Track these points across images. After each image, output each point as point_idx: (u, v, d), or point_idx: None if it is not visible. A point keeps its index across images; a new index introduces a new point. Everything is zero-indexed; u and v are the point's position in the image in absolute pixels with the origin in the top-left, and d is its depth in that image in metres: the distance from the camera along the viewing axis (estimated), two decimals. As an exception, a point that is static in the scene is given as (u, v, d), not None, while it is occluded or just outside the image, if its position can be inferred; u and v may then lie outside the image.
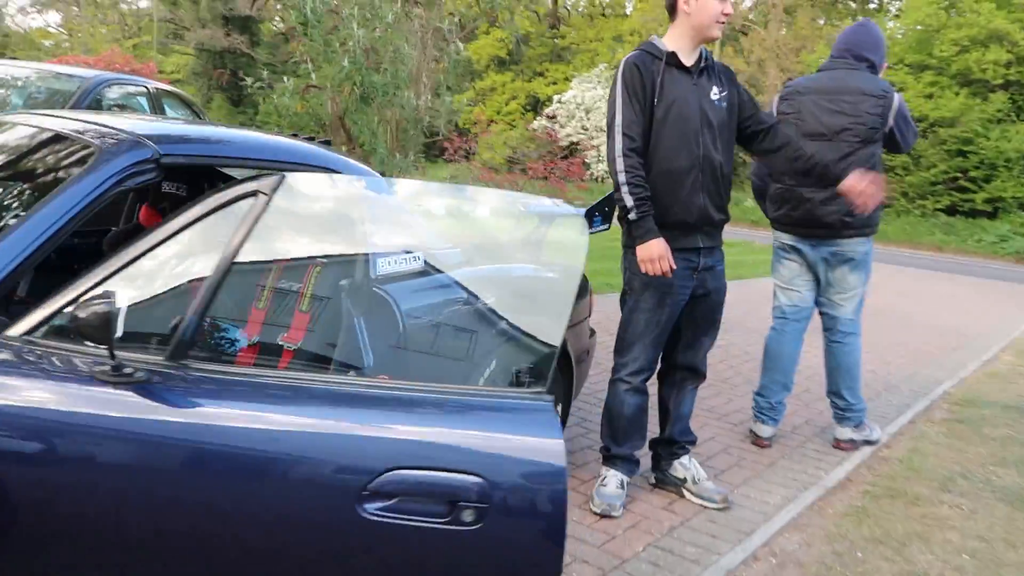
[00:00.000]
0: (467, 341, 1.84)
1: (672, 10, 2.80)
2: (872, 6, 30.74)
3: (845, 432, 3.75)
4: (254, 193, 1.42)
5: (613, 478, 2.91)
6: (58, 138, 1.96)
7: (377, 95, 6.41)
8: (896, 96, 3.47)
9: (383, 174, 4.12)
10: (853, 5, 31.62)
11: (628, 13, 31.37)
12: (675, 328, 2.94)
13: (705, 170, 2.75)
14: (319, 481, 1.27)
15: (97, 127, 1.95)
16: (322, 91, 6.23)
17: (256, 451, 1.28)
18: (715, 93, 2.80)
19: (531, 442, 1.29)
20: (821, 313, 3.75)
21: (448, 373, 1.82)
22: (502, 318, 1.85)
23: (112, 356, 1.28)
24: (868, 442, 3.76)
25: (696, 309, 2.90)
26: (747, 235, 16.00)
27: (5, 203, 1.78)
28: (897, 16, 26.84)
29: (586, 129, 27.32)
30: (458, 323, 1.84)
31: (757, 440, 3.73)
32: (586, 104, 27.85)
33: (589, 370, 3.41)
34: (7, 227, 1.64)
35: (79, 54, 25.23)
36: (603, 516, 2.79)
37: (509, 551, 1.25)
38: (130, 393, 1.30)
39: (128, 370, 1.30)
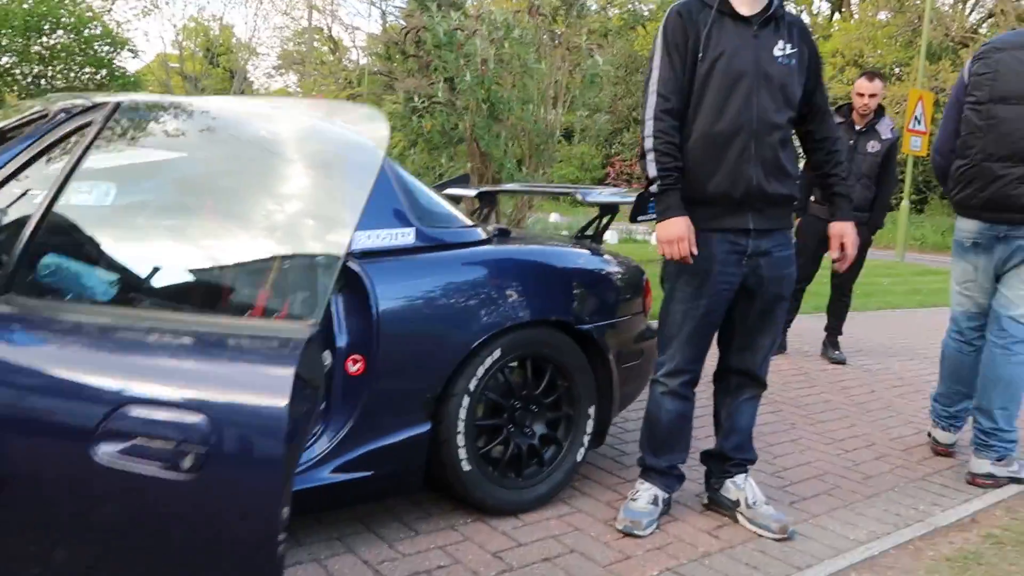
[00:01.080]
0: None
1: None
2: None
3: (983, 464, 3.03)
4: (88, 123, 1.36)
5: (646, 492, 2.53)
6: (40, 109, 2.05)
7: (505, 110, 6.40)
8: None
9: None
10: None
11: (832, 32, 29.44)
12: (730, 325, 2.53)
13: (760, 136, 2.31)
14: (55, 419, 1.14)
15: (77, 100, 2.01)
16: (447, 107, 6.32)
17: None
18: (780, 48, 2.35)
19: (257, 374, 1.08)
20: (991, 310, 3.09)
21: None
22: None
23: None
24: (1014, 480, 3.02)
25: (748, 302, 2.46)
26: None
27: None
28: None
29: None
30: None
31: (937, 447, 3.39)
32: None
33: (646, 375, 3.04)
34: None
35: (300, 106, 28.16)
36: (626, 535, 2.43)
37: (224, 505, 1.05)
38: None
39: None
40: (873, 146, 4.82)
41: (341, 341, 2.18)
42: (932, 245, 21.58)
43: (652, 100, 2.36)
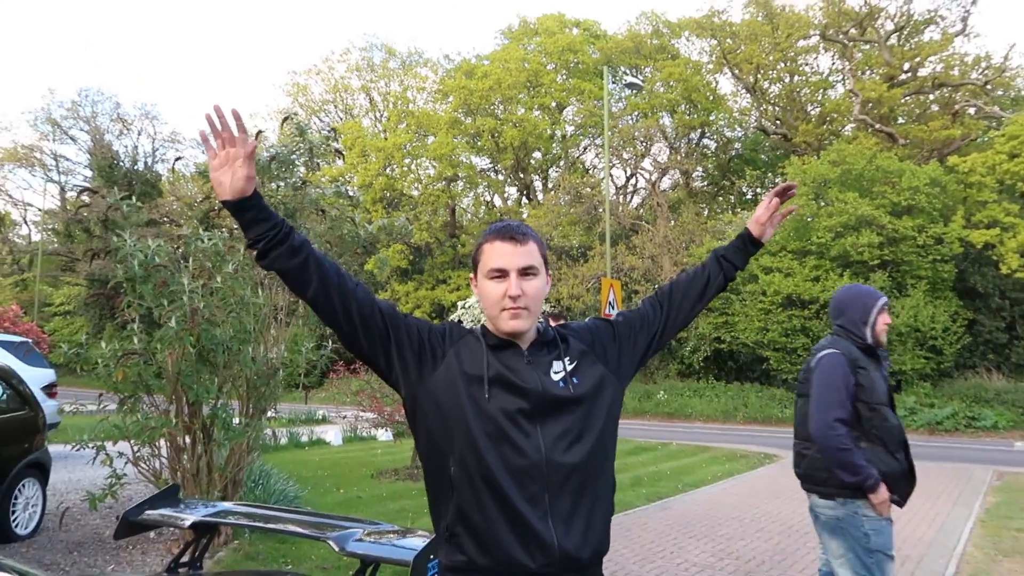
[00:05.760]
0: None
1: None
2: (748, 198, 32.97)
3: None
4: None
5: None
6: None
7: (218, 352, 5.55)
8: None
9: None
10: (732, 198, 33.89)
11: (524, 218, 32.48)
12: None
13: (552, 483, 1.76)
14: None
15: None
16: (142, 357, 5.32)
17: None
18: (558, 369, 1.90)
19: None
20: None
21: None
22: None
23: None
24: None
25: None
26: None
27: None
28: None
29: (492, 332, 27.16)
30: None
31: None
32: (489, 308, 27.92)
33: None
34: None
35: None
36: None
37: None
38: None
39: None
40: None
41: None
42: (632, 411, 23.54)
43: None
